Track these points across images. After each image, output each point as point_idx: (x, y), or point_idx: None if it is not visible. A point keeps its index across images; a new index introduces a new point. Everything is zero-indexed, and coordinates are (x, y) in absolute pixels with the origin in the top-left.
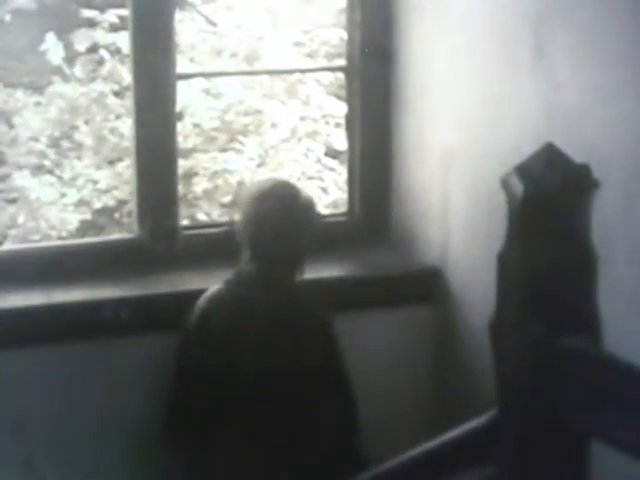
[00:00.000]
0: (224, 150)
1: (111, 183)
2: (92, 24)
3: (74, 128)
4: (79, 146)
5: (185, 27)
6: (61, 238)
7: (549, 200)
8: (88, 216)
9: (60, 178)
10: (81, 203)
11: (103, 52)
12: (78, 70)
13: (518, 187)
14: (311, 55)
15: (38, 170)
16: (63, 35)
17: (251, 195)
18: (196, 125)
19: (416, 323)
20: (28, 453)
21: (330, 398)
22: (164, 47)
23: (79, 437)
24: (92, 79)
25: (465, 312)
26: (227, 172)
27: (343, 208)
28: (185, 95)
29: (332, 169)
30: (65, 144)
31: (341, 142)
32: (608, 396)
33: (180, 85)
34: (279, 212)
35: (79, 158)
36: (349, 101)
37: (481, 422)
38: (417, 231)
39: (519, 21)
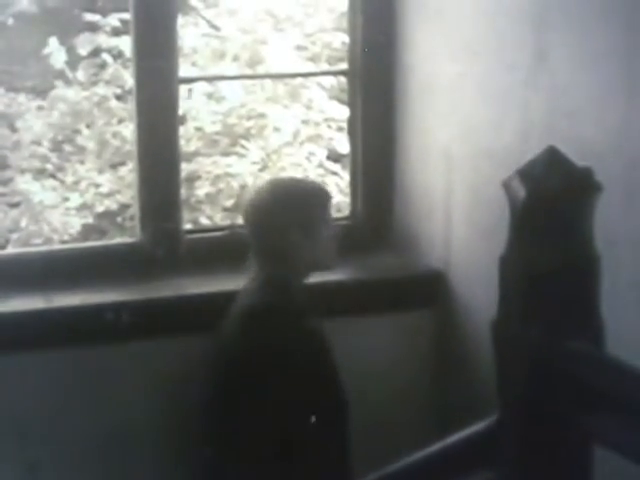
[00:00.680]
0: (226, 154)
1: (113, 187)
2: (94, 28)
3: (76, 132)
4: (81, 150)
5: (188, 31)
6: (63, 242)
7: (551, 203)
8: (90, 220)
9: (62, 182)
10: (83, 207)
11: (105, 56)
12: (80, 74)
13: (520, 190)
14: (313, 59)
15: (40, 174)
16: (66, 39)
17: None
18: (198, 129)
19: (419, 326)
20: (29, 458)
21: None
22: (166, 51)
23: (80, 441)
24: (94, 83)
25: (468, 315)
26: (230, 176)
27: (346, 212)
28: (187, 99)
29: (334, 173)
30: (67, 148)
31: (343, 146)
32: (611, 400)
33: (182, 89)
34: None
35: (81, 162)
36: (351, 105)
37: (483, 426)
38: (420, 234)
39: (520, 22)
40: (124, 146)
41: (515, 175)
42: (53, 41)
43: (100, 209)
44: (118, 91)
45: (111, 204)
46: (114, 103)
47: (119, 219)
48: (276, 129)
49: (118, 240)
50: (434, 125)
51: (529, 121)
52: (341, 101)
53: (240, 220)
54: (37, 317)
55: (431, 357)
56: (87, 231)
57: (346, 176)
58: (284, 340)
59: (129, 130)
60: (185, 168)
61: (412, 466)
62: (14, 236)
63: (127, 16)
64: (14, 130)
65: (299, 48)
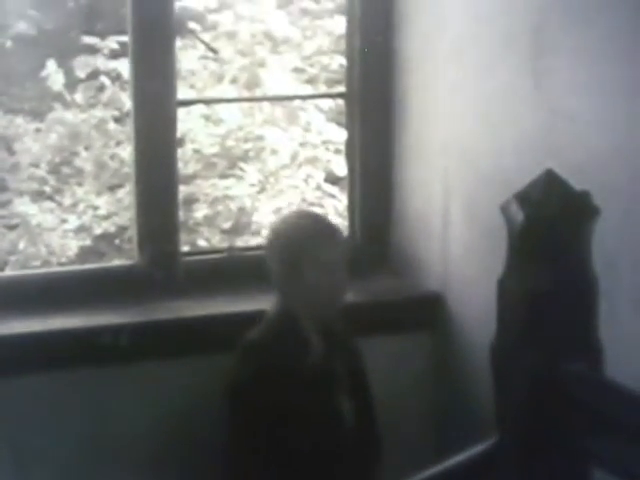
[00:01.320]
0: (225, 176)
1: (111, 209)
2: (93, 51)
3: (74, 154)
4: (79, 172)
5: (186, 54)
6: (61, 264)
7: (549, 226)
8: (88, 242)
9: (60, 204)
10: (81, 229)
11: (104, 78)
12: (79, 96)
13: (518, 214)
14: (311, 81)
15: (39, 196)
16: (64, 61)
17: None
18: (196, 151)
19: (417, 349)
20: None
21: None
22: (164, 73)
23: (78, 463)
24: (92, 105)
25: (466, 338)
26: (228, 198)
27: (344, 234)
28: (186, 121)
29: (332, 195)
30: (65, 170)
31: (341, 168)
32: (610, 423)
33: (181, 111)
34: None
35: (79, 184)
36: (349, 127)
37: (482, 448)
38: (418, 257)
39: (518, 46)
40: (122, 168)
41: (513, 199)
42: (51, 63)
43: (98, 231)
44: (116, 113)
45: (109, 226)
46: (112, 125)
47: (117, 241)
48: (274, 151)
49: (116, 262)
50: (432, 148)
51: (528, 145)
52: (339, 124)
53: (238, 242)
54: (35, 339)
55: (430, 380)
56: (85, 253)
57: (344, 199)
58: (282, 377)
59: (127, 152)
60: (183, 190)
61: None
62: (12, 258)
63: (125, 39)
64: (12, 152)
65: (297, 71)
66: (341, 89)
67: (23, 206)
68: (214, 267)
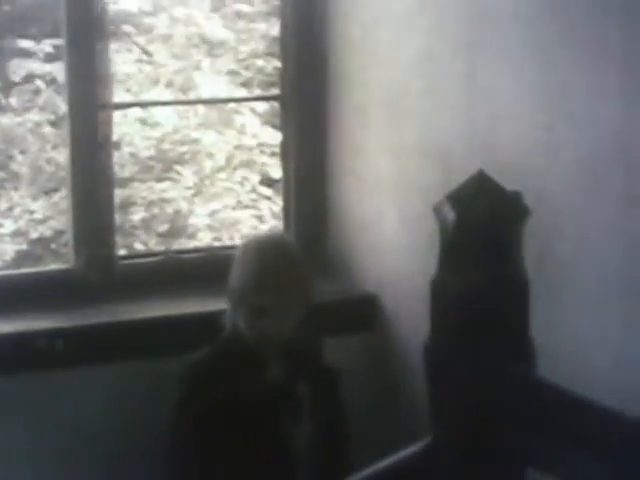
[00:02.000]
0: (161, 179)
1: (47, 213)
2: (27, 54)
3: (10, 158)
4: (15, 176)
5: (121, 57)
6: None
7: (481, 227)
8: (24, 246)
9: None
10: (17, 233)
11: (39, 82)
12: (14, 100)
13: (450, 214)
14: (246, 84)
15: None
16: None
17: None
18: (133, 154)
19: (353, 350)
20: None
21: None
22: (99, 77)
23: (12, 468)
24: (28, 109)
25: (402, 338)
26: (164, 201)
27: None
28: (121, 125)
29: (268, 198)
30: (1, 174)
31: (277, 171)
32: (544, 422)
33: (116, 115)
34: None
35: (15, 188)
36: (284, 130)
37: (418, 448)
38: (353, 258)
39: (452, 47)
40: (58, 172)
41: (445, 199)
42: None
43: (34, 235)
44: (52, 117)
45: (45, 230)
46: (48, 129)
47: (53, 245)
48: (209, 154)
49: (52, 266)
50: (366, 150)
51: (460, 145)
52: (274, 126)
53: (175, 245)
54: None
55: (368, 381)
56: (21, 257)
57: (279, 201)
58: (228, 399)
59: (63, 156)
60: (119, 194)
61: None
62: None
63: (60, 42)
64: None
65: (232, 74)
66: (276, 92)
67: None
68: (151, 270)
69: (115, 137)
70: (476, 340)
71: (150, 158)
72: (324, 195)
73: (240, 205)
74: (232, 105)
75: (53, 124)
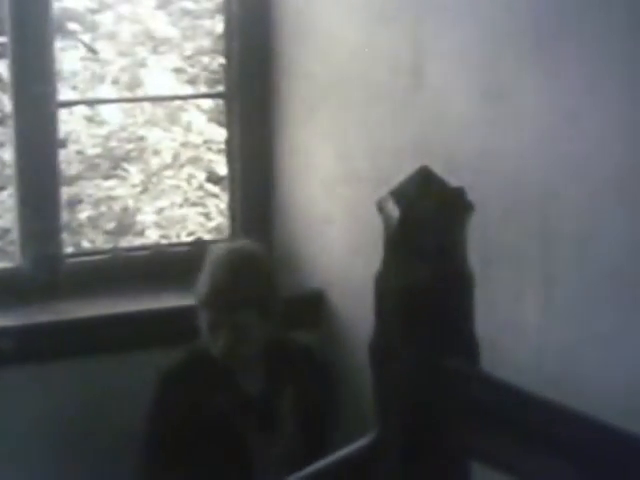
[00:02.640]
0: (108, 177)
1: None
2: None
3: None
4: None
5: (67, 55)
6: None
7: (424, 222)
8: None
9: None
10: None
11: None
12: None
13: (394, 210)
14: (192, 82)
15: None
16: None
17: None
18: (79, 152)
19: None
20: None
21: None
22: (45, 75)
23: None
24: None
25: (349, 334)
26: (111, 199)
27: (225, 234)
28: (68, 122)
29: (215, 195)
30: None
31: (223, 168)
32: (487, 415)
33: (63, 113)
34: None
35: None
36: (229, 127)
37: (362, 444)
38: (300, 255)
39: (397, 44)
40: (4, 170)
41: (389, 195)
42: None
43: None
44: None
45: None
46: None
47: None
48: (156, 152)
49: None
50: (311, 147)
51: (405, 143)
52: (220, 124)
53: (122, 243)
54: None
55: None
56: None
57: (226, 198)
58: (197, 410)
59: (9, 154)
60: (66, 192)
61: None
62: None
63: (4, 39)
64: None
65: (178, 71)
66: (221, 89)
67: None
68: (98, 268)
69: (61, 135)
70: (420, 335)
71: (97, 156)
72: (270, 192)
73: (187, 202)
74: (178, 102)
75: None
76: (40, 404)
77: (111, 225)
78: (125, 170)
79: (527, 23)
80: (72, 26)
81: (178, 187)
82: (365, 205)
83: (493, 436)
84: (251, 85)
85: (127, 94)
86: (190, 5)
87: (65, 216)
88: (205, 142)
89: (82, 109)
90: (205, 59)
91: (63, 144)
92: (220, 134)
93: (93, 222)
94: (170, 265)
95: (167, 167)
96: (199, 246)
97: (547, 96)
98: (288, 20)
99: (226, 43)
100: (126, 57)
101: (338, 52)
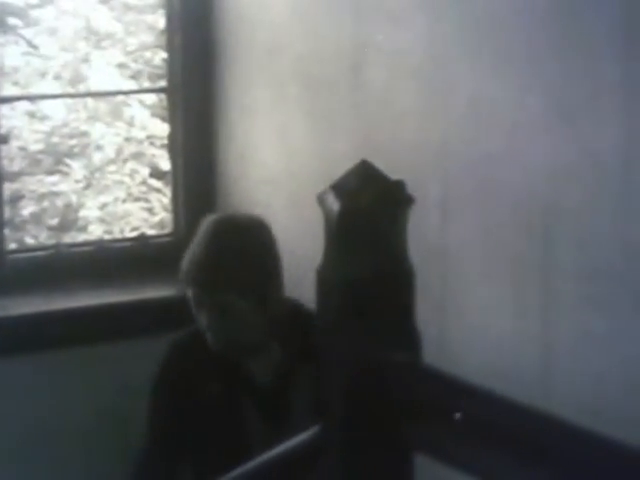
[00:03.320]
0: (50, 173)
1: None
2: None
3: None
4: None
5: (8, 50)
6: None
7: (365, 216)
8: None
9: None
10: None
11: None
12: None
13: (334, 204)
14: (135, 77)
15: None
16: None
17: None
18: (22, 148)
19: None
20: None
21: None
22: None
23: None
24: None
25: None
26: (54, 195)
27: (169, 229)
28: (10, 118)
29: (158, 190)
30: None
31: (166, 163)
32: (429, 408)
33: (4, 108)
34: None
35: None
36: (171, 122)
37: (305, 437)
38: None
39: (338, 39)
40: None
41: (329, 189)
42: None
43: None
44: None
45: None
46: None
47: None
48: (99, 147)
49: None
50: (253, 141)
51: (347, 137)
52: (163, 119)
53: (65, 238)
54: None
55: None
56: None
57: (169, 193)
58: (203, 383)
59: None
60: (9, 188)
61: (238, 478)
62: None
63: None
64: None
65: (121, 66)
66: (164, 84)
67: None
68: (41, 264)
69: (3, 131)
70: (360, 329)
71: (39, 152)
72: (213, 187)
73: (130, 197)
74: (121, 97)
75: None
76: None
77: (54, 221)
78: (68, 166)
79: (471, 18)
80: (12, 21)
81: (121, 182)
82: (307, 199)
83: (435, 427)
84: (193, 80)
85: (70, 89)
86: (133, 0)
87: (8, 212)
88: (148, 137)
89: (24, 105)
90: (148, 54)
91: (5, 140)
92: (163, 129)
93: (36, 218)
94: (114, 261)
95: (110, 162)
96: (142, 241)
97: (491, 91)
98: (230, 15)
99: (167, 38)
100: (68, 52)
101: (281, 47)
